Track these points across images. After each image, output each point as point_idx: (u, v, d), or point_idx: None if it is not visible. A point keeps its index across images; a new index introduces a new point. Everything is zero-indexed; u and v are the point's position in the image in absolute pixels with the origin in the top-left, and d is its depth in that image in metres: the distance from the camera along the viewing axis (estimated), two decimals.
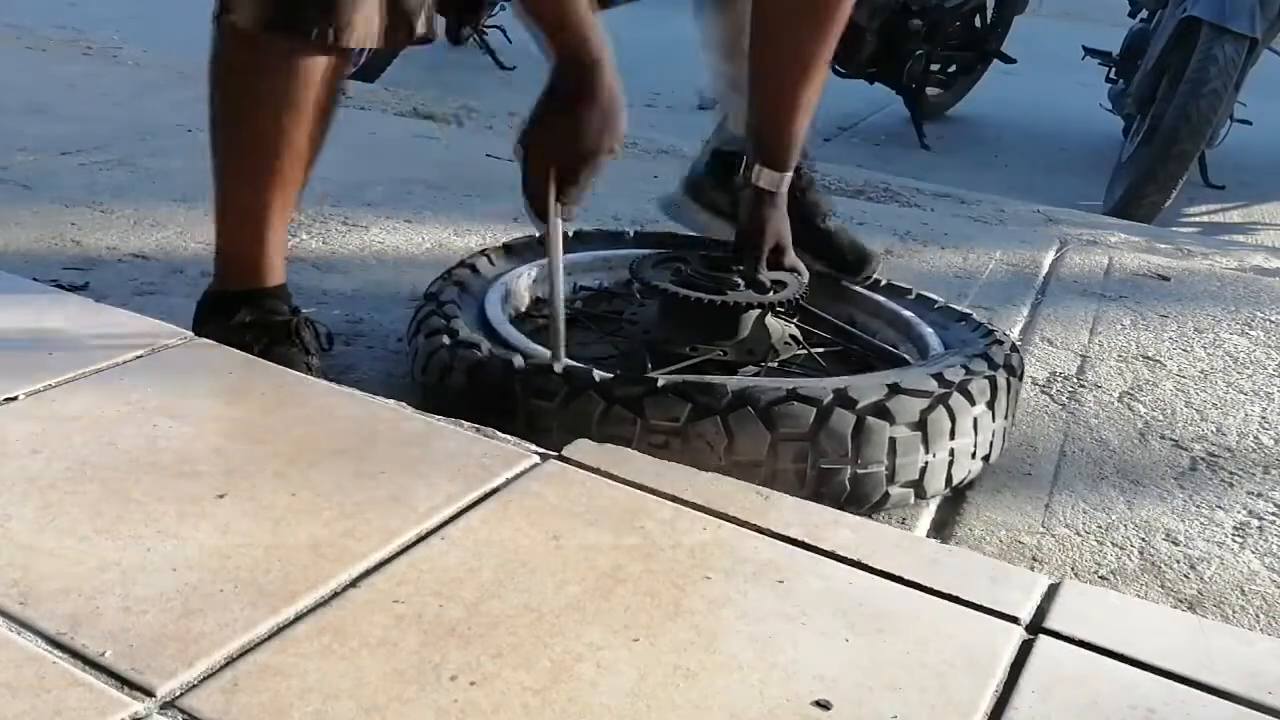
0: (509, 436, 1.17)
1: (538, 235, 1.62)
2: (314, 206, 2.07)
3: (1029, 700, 0.84)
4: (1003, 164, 3.86)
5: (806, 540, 1.02)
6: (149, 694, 0.78)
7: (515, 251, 1.64)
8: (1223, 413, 1.58)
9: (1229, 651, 0.91)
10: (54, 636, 0.82)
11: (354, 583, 0.91)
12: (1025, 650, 0.90)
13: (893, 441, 1.22)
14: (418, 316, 1.43)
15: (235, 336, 1.35)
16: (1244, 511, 1.33)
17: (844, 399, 1.21)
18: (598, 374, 1.24)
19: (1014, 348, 1.43)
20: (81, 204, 2.04)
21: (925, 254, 2.17)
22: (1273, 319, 1.96)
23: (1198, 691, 0.86)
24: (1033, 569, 1.18)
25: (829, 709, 0.81)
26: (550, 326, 1.32)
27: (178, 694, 0.78)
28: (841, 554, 1.00)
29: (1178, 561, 1.23)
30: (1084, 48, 4.14)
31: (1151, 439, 1.49)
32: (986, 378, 1.30)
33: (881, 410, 1.21)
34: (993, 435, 1.31)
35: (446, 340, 1.34)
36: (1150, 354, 1.77)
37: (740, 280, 1.46)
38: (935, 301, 1.59)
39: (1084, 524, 1.29)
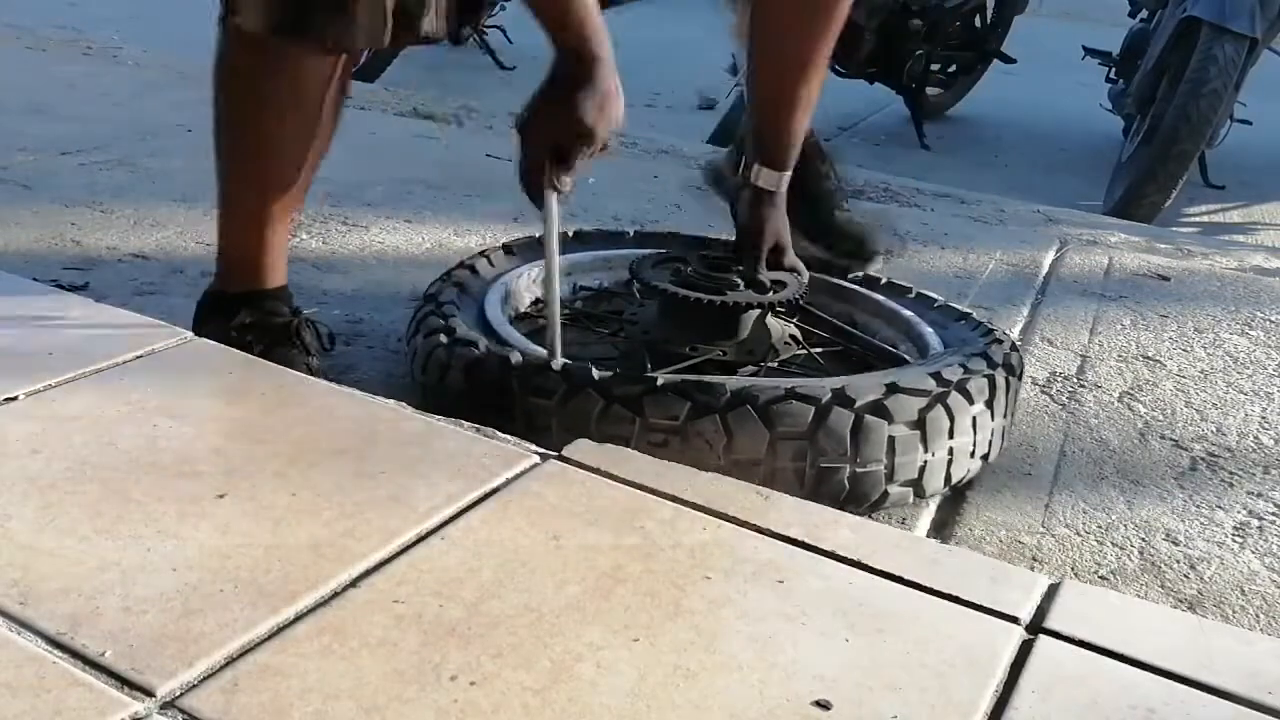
0: (509, 436, 1.17)
1: (538, 236, 1.63)
2: (314, 206, 2.07)
3: (1029, 700, 0.84)
4: (1003, 164, 3.86)
5: (806, 540, 1.02)
6: (149, 694, 0.78)
7: (515, 252, 1.64)
8: (1223, 413, 1.58)
9: (1229, 651, 0.91)
10: (54, 636, 0.82)
11: (354, 583, 0.91)
12: (1025, 650, 0.90)
13: (891, 440, 1.22)
14: (416, 316, 1.43)
15: (235, 337, 1.35)
16: (1244, 511, 1.33)
17: (842, 398, 1.21)
18: (596, 372, 1.24)
19: (1013, 347, 1.43)
20: (81, 204, 2.04)
21: (925, 254, 2.17)
22: (1273, 319, 1.96)
23: (1198, 691, 0.86)
24: (1033, 569, 1.18)
25: (829, 709, 0.81)
26: (547, 318, 1.32)
27: (178, 694, 0.78)
28: (841, 554, 1.00)
29: (1178, 561, 1.23)
30: (1084, 48, 4.14)
31: (1151, 439, 1.49)
32: (985, 376, 1.30)
33: (880, 409, 1.21)
34: (992, 434, 1.31)
35: (444, 339, 1.34)
36: (1150, 354, 1.77)
37: (740, 280, 1.46)
38: (935, 300, 1.59)
39: (1084, 524, 1.29)
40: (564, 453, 1.14)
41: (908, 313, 1.55)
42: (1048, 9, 5.25)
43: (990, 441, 1.32)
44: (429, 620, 0.87)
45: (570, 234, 1.70)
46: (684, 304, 1.42)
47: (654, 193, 2.42)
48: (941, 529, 1.27)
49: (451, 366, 1.31)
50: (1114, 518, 1.30)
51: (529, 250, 1.65)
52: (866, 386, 1.24)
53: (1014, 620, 0.93)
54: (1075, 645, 0.91)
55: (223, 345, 1.32)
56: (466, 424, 1.18)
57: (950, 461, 1.26)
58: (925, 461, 1.24)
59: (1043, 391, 1.61)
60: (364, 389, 1.26)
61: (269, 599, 0.88)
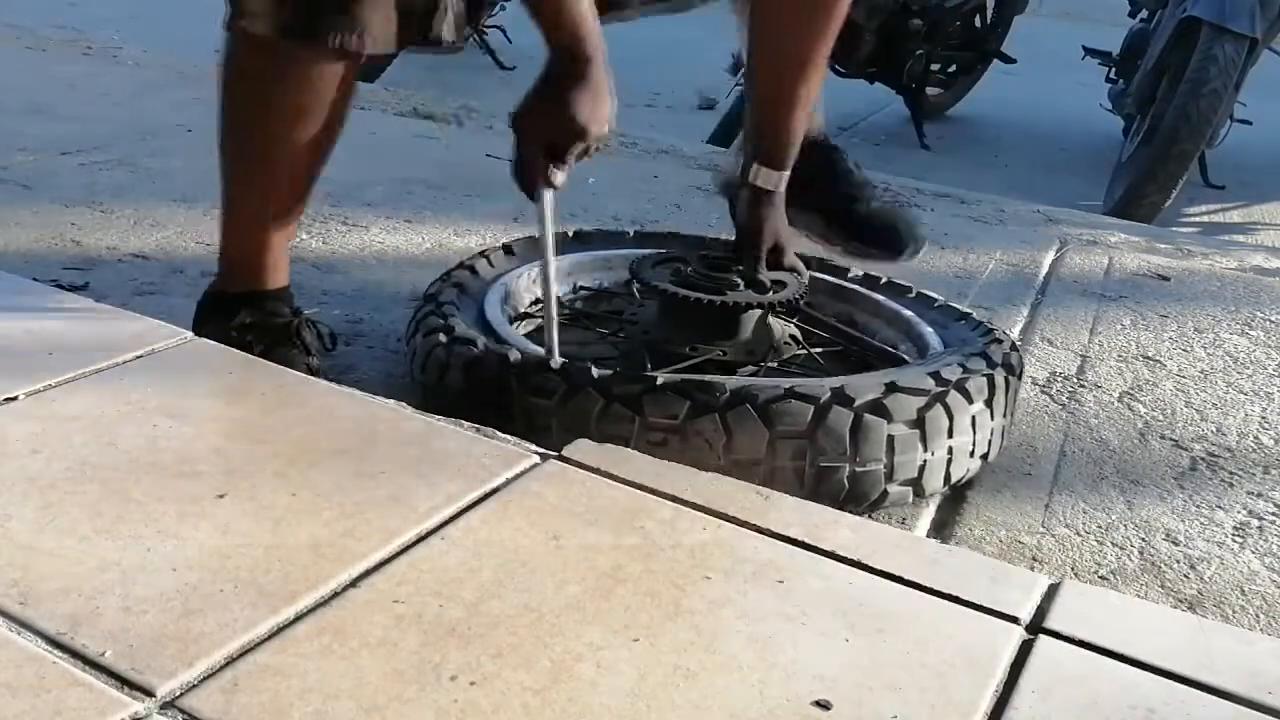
0: (509, 436, 1.17)
1: (537, 236, 1.63)
2: (314, 206, 2.06)
3: (1029, 700, 0.84)
4: (1003, 164, 3.86)
5: (806, 540, 1.02)
6: (149, 694, 0.78)
7: (515, 252, 1.64)
8: (1223, 413, 1.58)
9: (1229, 651, 0.91)
10: (54, 636, 0.82)
11: (354, 583, 0.91)
12: (1025, 650, 0.90)
13: (891, 439, 1.22)
14: (416, 317, 1.43)
15: (235, 337, 1.35)
16: (1244, 511, 1.33)
17: (842, 397, 1.21)
18: (596, 371, 1.24)
19: (1013, 346, 1.43)
20: (81, 204, 2.04)
21: (925, 254, 2.16)
22: (1273, 319, 1.96)
23: (1198, 691, 0.86)
24: (1033, 569, 1.18)
25: (829, 709, 0.81)
26: (544, 317, 1.33)
27: (178, 694, 0.78)
28: (841, 554, 1.00)
29: (1178, 561, 1.23)
30: (1084, 48, 4.14)
31: (1151, 439, 1.49)
32: (984, 376, 1.30)
33: (879, 408, 1.22)
34: (991, 434, 1.31)
35: (443, 338, 1.34)
36: (1150, 354, 1.77)
37: (740, 280, 1.46)
38: (935, 300, 1.59)
39: (1084, 524, 1.29)
40: (564, 453, 1.14)
41: (908, 313, 1.55)
42: (1048, 9, 5.25)
43: (990, 441, 1.32)
44: (429, 620, 0.87)
45: (570, 234, 1.70)
46: (684, 304, 1.42)
47: (654, 193, 2.42)
48: (941, 529, 1.27)
49: (451, 366, 1.31)
50: (1114, 518, 1.30)
51: (529, 250, 1.65)
52: (866, 386, 1.24)
53: (1014, 620, 0.93)
54: (1075, 645, 0.91)
55: (223, 345, 1.32)
56: (466, 424, 1.18)
57: (950, 461, 1.26)
58: (925, 461, 1.24)
59: (1043, 391, 1.61)
60: (364, 389, 1.26)
61: (269, 599, 0.88)
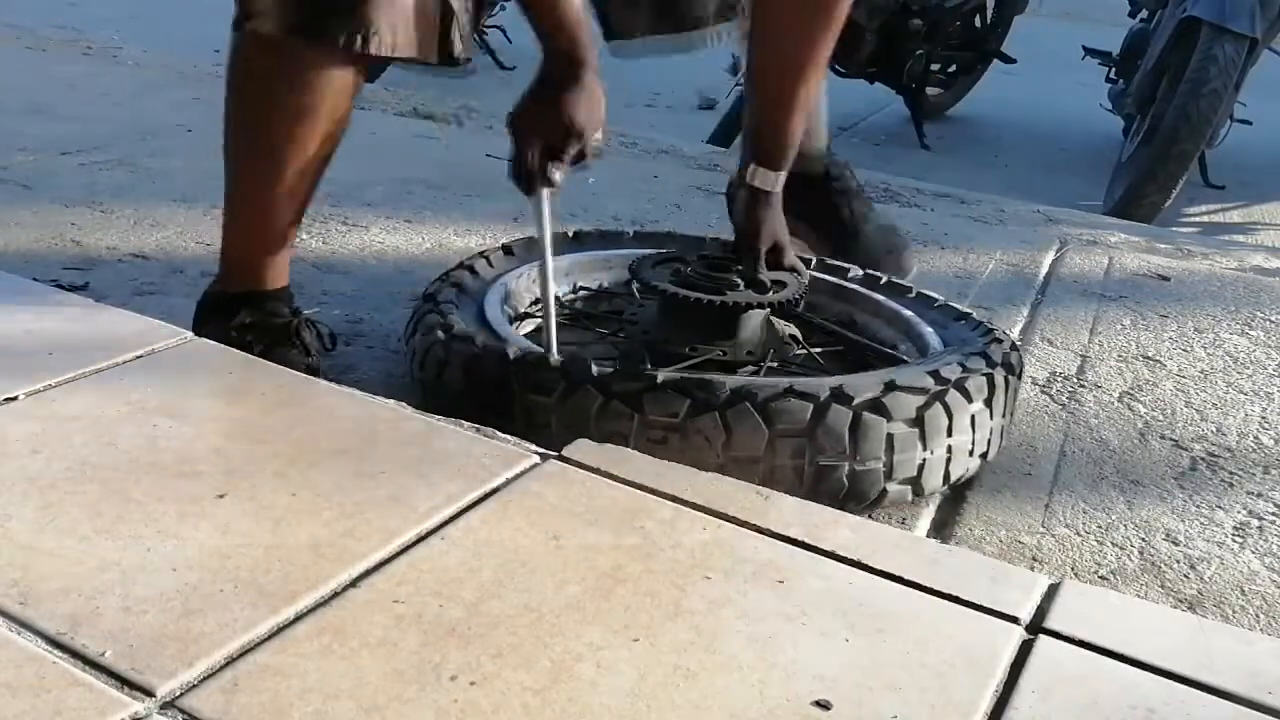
0: (509, 436, 1.17)
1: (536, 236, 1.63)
2: (314, 206, 2.06)
3: (1029, 700, 0.84)
4: (1003, 164, 3.86)
5: (806, 540, 1.02)
6: (149, 694, 0.78)
7: (514, 253, 1.64)
8: (1223, 413, 1.58)
9: (1229, 651, 0.91)
10: (54, 636, 0.82)
11: (354, 583, 0.91)
12: (1025, 650, 0.90)
13: (890, 438, 1.22)
14: (415, 315, 1.43)
15: (235, 337, 1.35)
16: (1244, 511, 1.33)
17: (841, 395, 1.21)
18: (596, 368, 1.24)
19: (1013, 346, 1.43)
20: (81, 204, 2.04)
21: (925, 254, 2.17)
22: (1273, 319, 1.96)
23: (1198, 691, 0.86)
24: (1033, 569, 1.18)
25: (829, 709, 0.81)
26: (543, 314, 1.34)
27: (178, 694, 0.78)
28: (841, 554, 1.00)
29: (1178, 561, 1.23)
30: (1084, 48, 4.14)
31: (1151, 439, 1.49)
32: (984, 375, 1.30)
33: (878, 406, 1.22)
34: (990, 433, 1.32)
35: (441, 335, 1.34)
36: (1150, 354, 1.77)
37: (740, 280, 1.46)
38: (935, 300, 1.59)
39: (1084, 524, 1.29)
40: (564, 453, 1.14)
41: (908, 313, 1.55)
42: (1048, 9, 5.25)
43: (989, 440, 1.32)
44: (429, 620, 0.87)
45: (570, 234, 1.70)
46: (684, 304, 1.42)
47: (654, 193, 2.42)
48: (941, 529, 1.27)
49: (450, 363, 1.31)
50: (1114, 518, 1.30)
51: (528, 251, 1.65)
52: (865, 384, 1.24)
53: (1014, 620, 0.93)
54: (1075, 645, 0.91)
55: (223, 345, 1.32)
56: (466, 424, 1.18)
57: (949, 459, 1.26)
58: (924, 459, 1.24)
59: (1043, 391, 1.61)
60: (364, 389, 1.26)
61: (269, 599, 0.88)
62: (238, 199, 1.36)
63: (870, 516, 1.24)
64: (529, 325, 1.55)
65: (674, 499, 1.07)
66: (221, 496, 1.01)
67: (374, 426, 1.16)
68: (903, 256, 1.84)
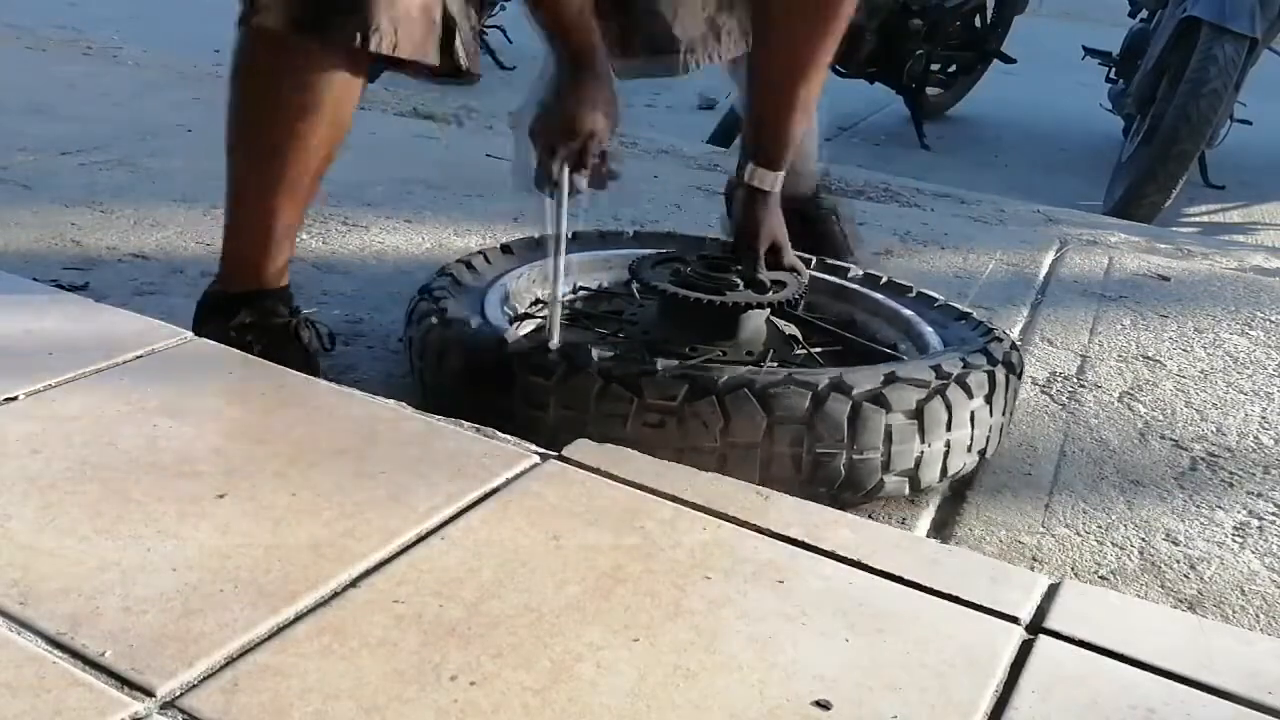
0: (509, 436, 1.17)
1: (536, 236, 1.63)
2: (314, 206, 2.06)
3: (1029, 700, 0.84)
4: (1003, 164, 3.86)
5: (806, 540, 1.02)
6: (149, 694, 0.78)
7: (513, 252, 1.64)
8: (1223, 413, 1.58)
9: (1229, 651, 0.91)
10: (54, 636, 0.82)
11: (354, 583, 0.91)
12: (1025, 650, 0.90)
13: (889, 429, 1.22)
14: (412, 307, 1.44)
15: (235, 337, 1.35)
16: (1244, 511, 1.33)
17: (840, 386, 1.21)
18: (595, 352, 1.24)
19: (1013, 345, 1.43)
20: (81, 204, 2.04)
21: (925, 254, 2.17)
22: (1273, 319, 1.96)
23: (1198, 691, 0.86)
24: (1033, 569, 1.18)
25: (829, 709, 0.81)
26: (549, 302, 1.34)
27: (178, 694, 0.78)
28: (841, 554, 1.00)
29: (1178, 561, 1.23)
30: (1084, 48, 4.14)
31: (1151, 439, 1.49)
32: (984, 372, 1.30)
33: (878, 397, 1.22)
34: (990, 430, 1.32)
35: (437, 321, 1.34)
36: (1150, 354, 1.77)
37: (739, 280, 1.46)
38: (935, 300, 1.59)
39: (1084, 524, 1.29)
40: (564, 453, 1.14)
41: (908, 312, 1.55)
42: (1048, 9, 5.25)
43: (988, 437, 1.32)
44: (429, 620, 0.87)
45: (569, 234, 1.70)
46: (683, 304, 1.42)
47: (654, 193, 2.42)
48: (941, 529, 1.27)
49: (448, 350, 1.31)
50: (1114, 518, 1.30)
51: (527, 250, 1.65)
52: (865, 376, 1.24)
53: (1014, 620, 0.93)
54: (1075, 645, 0.91)
55: (223, 345, 1.32)
56: (466, 424, 1.18)
57: (947, 454, 1.27)
58: (922, 452, 1.24)
59: (1043, 391, 1.61)
60: (364, 389, 1.26)
61: (269, 599, 0.88)
62: (240, 196, 1.36)
63: (870, 516, 1.24)
64: (529, 325, 1.55)
65: (674, 499, 1.07)
66: (221, 496, 1.01)
67: (374, 426, 1.16)
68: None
